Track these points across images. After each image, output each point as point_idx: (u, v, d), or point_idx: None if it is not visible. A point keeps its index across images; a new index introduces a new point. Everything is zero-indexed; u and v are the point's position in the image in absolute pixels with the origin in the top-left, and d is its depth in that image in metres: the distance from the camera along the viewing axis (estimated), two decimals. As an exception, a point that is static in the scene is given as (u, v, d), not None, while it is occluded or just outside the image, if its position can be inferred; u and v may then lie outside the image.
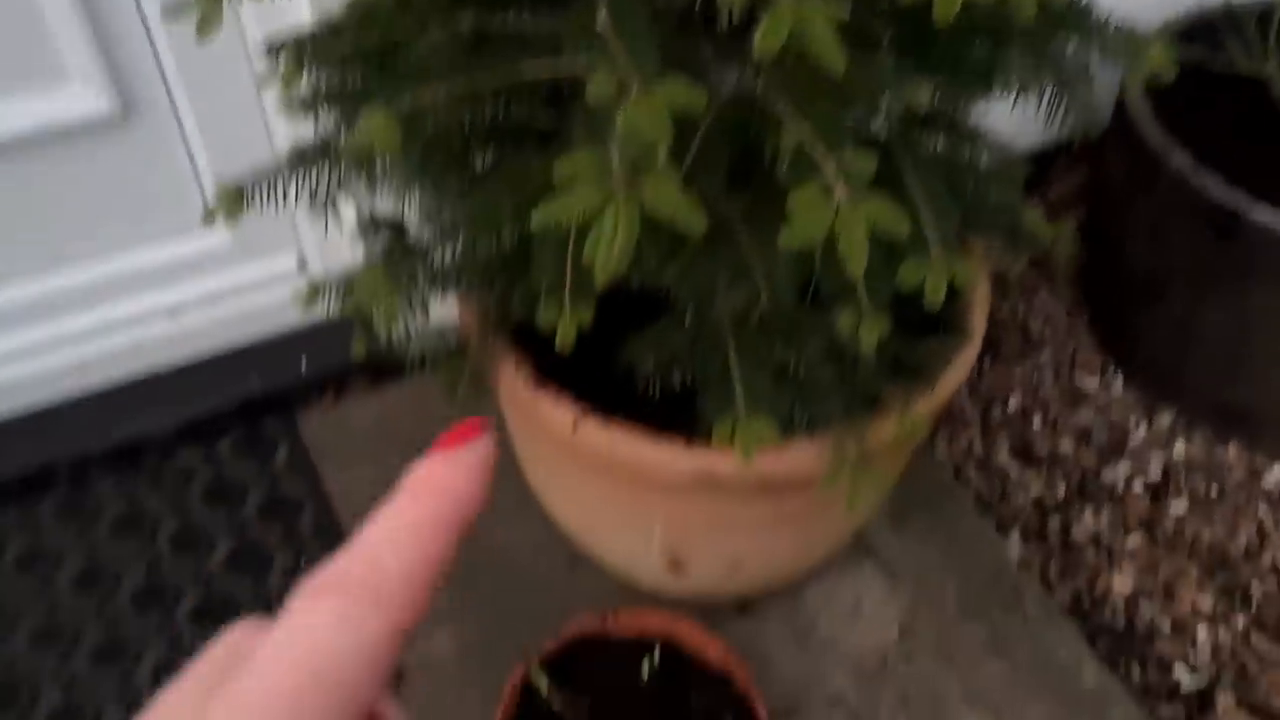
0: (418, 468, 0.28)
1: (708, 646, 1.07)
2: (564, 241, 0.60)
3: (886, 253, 0.61)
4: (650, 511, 0.97)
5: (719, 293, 0.67)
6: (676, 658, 1.08)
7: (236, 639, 0.26)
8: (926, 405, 0.88)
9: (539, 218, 0.51)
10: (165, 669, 1.16)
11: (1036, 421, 1.52)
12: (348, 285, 0.74)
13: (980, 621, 1.25)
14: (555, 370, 0.92)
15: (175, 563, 1.26)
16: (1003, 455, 1.48)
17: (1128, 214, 1.49)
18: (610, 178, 0.50)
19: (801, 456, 0.83)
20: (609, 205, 0.50)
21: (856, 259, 0.53)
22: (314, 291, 0.76)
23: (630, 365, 0.77)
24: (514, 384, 0.91)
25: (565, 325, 0.62)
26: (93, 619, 1.20)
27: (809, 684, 1.19)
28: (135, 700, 1.14)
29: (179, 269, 1.33)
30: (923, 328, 0.89)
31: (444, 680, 1.18)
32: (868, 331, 0.67)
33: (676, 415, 0.86)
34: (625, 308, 0.76)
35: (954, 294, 0.70)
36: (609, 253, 0.49)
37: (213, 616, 1.21)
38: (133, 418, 1.35)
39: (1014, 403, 1.55)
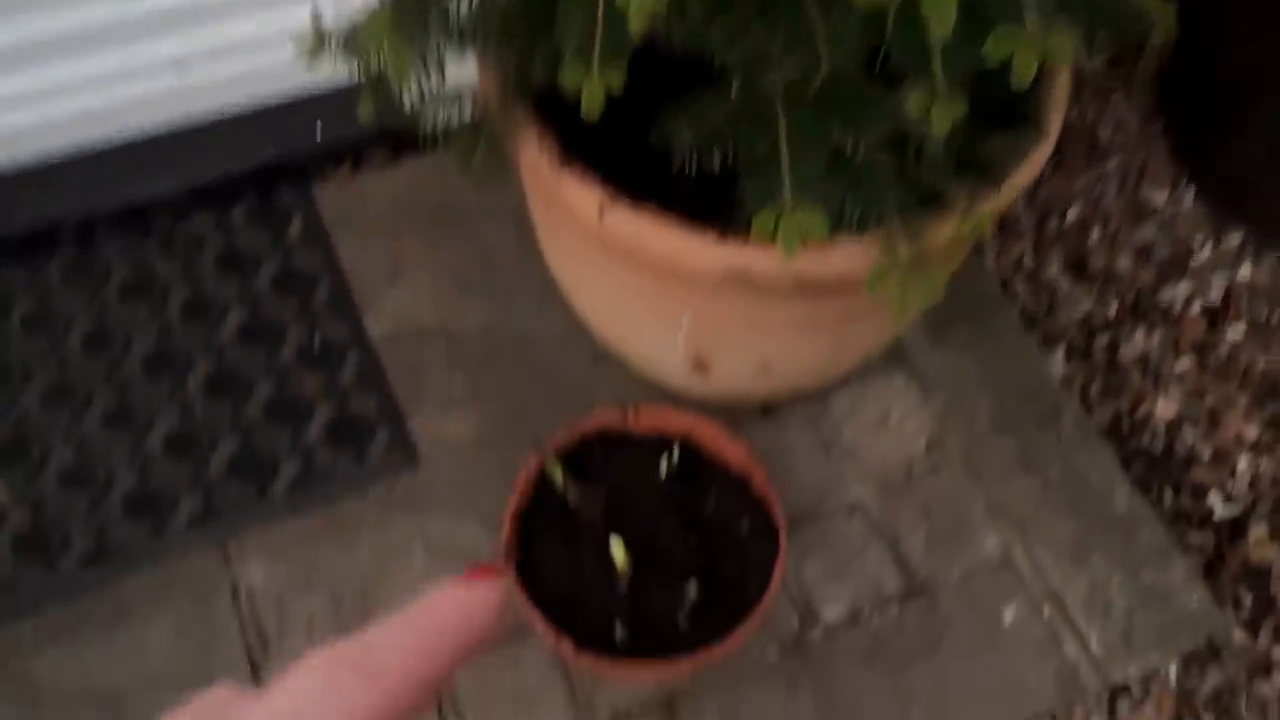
0: (434, 590, 0.28)
1: (728, 448, 1.03)
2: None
3: (972, 20, 0.51)
4: (678, 308, 0.91)
5: (773, 59, 0.57)
6: (696, 458, 1.05)
7: (221, 697, 0.26)
8: (991, 206, 0.80)
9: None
10: (176, 438, 1.15)
11: (1095, 235, 1.43)
12: (353, 32, 0.65)
13: (1012, 437, 1.21)
14: (582, 147, 0.84)
15: (186, 331, 1.22)
16: (1054, 269, 1.39)
17: (1228, 8, 1.33)
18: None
19: (847, 256, 0.76)
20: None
21: (942, 18, 0.44)
22: (319, 40, 0.67)
23: (664, 143, 0.69)
24: (536, 161, 0.83)
25: (592, 87, 0.54)
26: (103, 382, 1.18)
27: (829, 491, 1.16)
28: (147, 466, 1.13)
29: (182, 16, 1.22)
30: (992, 120, 0.79)
31: (459, 464, 1.16)
32: (940, 115, 0.58)
33: (713, 205, 0.78)
34: (662, 76, 0.67)
35: (1034, 82, 0.61)
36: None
37: (224, 387, 1.18)
38: (141, 179, 1.28)
39: (1073, 214, 1.45)
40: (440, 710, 1.02)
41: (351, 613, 1.06)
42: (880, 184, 0.67)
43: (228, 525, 1.10)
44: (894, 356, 1.24)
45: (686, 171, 0.67)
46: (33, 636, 1.03)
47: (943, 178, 0.72)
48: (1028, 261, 1.40)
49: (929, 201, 0.77)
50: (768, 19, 0.56)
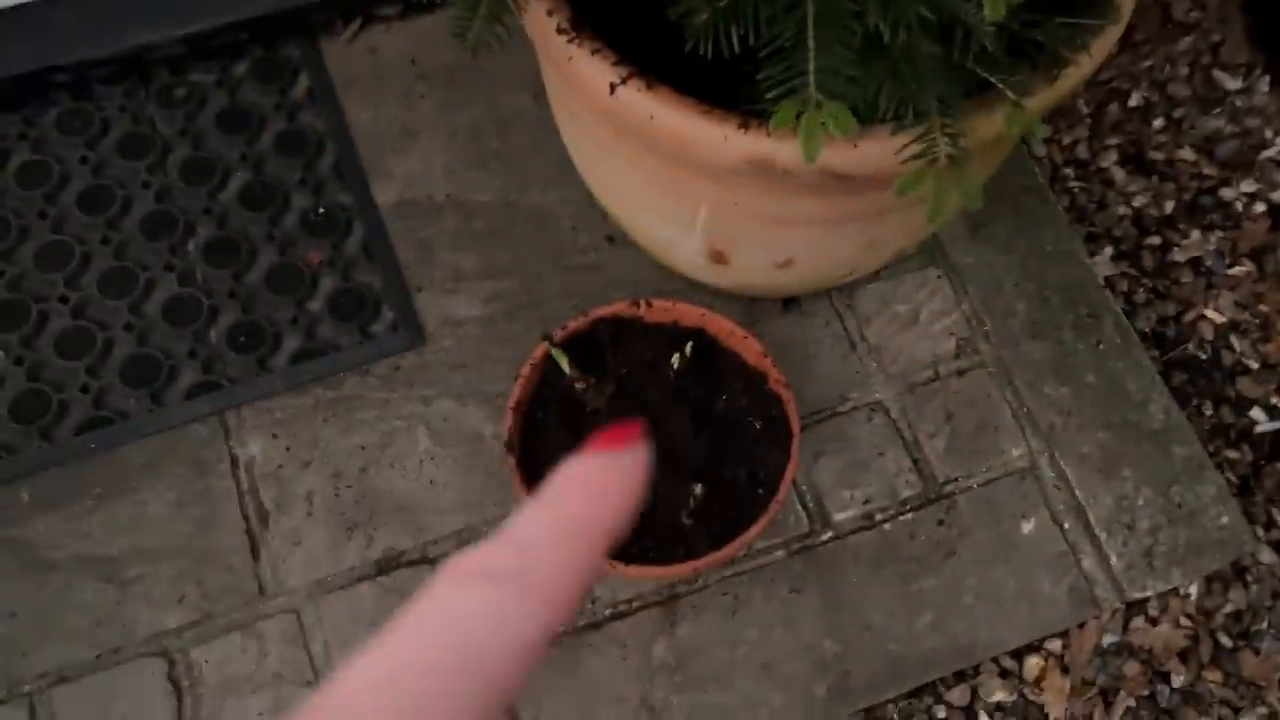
0: (573, 466, 0.26)
1: (745, 345, 0.98)
2: None
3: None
4: (694, 196, 0.84)
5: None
6: (710, 353, 1.00)
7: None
8: (1045, 99, 0.71)
9: None
10: (176, 304, 1.11)
11: (1158, 123, 1.32)
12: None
13: (1048, 342, 1.14)
14: (595, 16, 0.76)
15: (186, 192, 1.17)
16: (1110, 159, 1.30)
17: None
18: None
19: (880, 150, 0.68)
20: None
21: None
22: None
23: (681, 18, 0.61)
24: (545, 31, 0.75)
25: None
26: (100, 243, 1.14)
27: (849, 389, 1.11)
28: (145, 331, 1.09)
29: None
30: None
31: (465, 344, 1.11)
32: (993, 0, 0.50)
33: (735, 86, 0.71)
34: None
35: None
36: None
37: (225, 252, 1.13)
38: (138, 26, 1.20)
39: (1136, 98, 1.34)
40: (438, 594, 1.00)
41: (350, 492, 1.04)
42: (921, 75, 0.59)
43: (227, 397, 1.07)
44: (928, 251, 1.16)
45: (702, 54, 0.60)
46: (31, 502, 1.02)
47: (993, 67, 0.63)
48: (1082, 149, 1.30)
49: (974, 92, 0.69)
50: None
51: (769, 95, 0.56)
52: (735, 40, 0.57)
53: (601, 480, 0.25)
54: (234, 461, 1.05)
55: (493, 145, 1.22)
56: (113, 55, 1.19)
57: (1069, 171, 1.28)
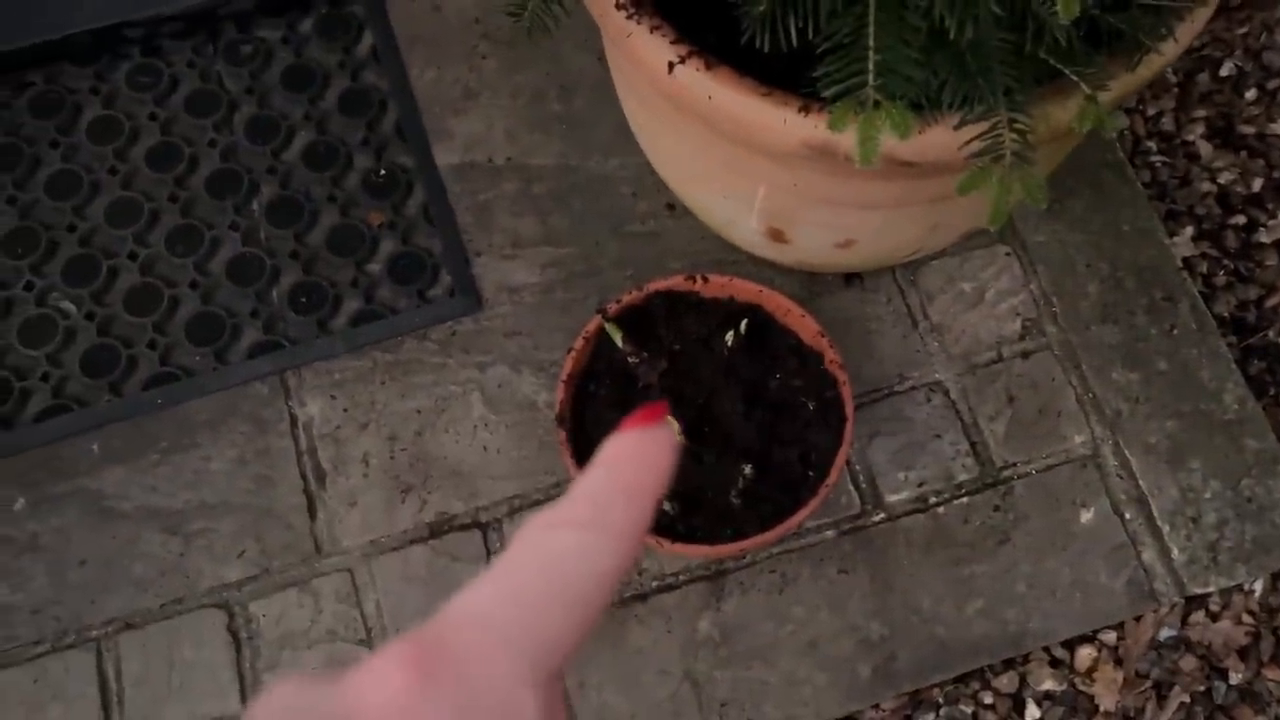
0: (615, 442, 0.29)
1: (801, 324, 0.96)
2: None
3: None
4: (753, 175, 0.82)
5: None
6: (765, 330, 0.98)
7: (291, 693, 0.24)
8: (1123, 89, 0.68)
9: None
10: (240, 263, 1.13)
11: (1250, 94, 1.26)
12: None
13: (1119, 325, 1.10)
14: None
15: (251, 150, 1.18)
16: (1197, 132, 1.24)
17: None
18: None
19: (944, 141, 0.66)
20: None
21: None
22: None
23: (738, 7, 0.59)
24: (604, 6, 0.73)
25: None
26: (168, 200, 1.15)
27: (909, 368, 1.09)
28: (210, 289, 1.11)
29: None
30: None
31: (522, 312, 1.11)
32: (1068, -3, 0.47)
33: (798, 66, 0.68)
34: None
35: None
36: None
37: (287, 212, 1.15)
38: (207, -20, 1.20)
39: (1228, 67, 1.27)
40: (489, 560, 1.02)
41: (406, 455, 1.06)
42: (988, 67, 0.56)
43: (288, 357, 1.09)
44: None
45: (758, 44, 0.58)
46: (101, 454, 1.05)
47: (1067, 58, 0.60)
48: (1166, 121, 1.25)
49: (1044, 79, 0.66)
50: None
51: (825, 94, 0.54)
52: (793, 33, 0.55)
53: (644, 451, 0.28)
54: (293, 421, 1.07)
55: (555, 108, 1.21)
56: (183, 11, 1.20)
57: (1151, 145, 1.23)
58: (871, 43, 0.51)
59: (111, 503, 1.04)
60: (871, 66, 0.51)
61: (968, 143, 0.60)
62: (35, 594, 1.00)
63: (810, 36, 0.56)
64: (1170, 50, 0.69)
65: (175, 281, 1.12)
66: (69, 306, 1.11)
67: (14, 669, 0.98)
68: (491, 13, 1.25)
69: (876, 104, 0.51)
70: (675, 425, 0.91)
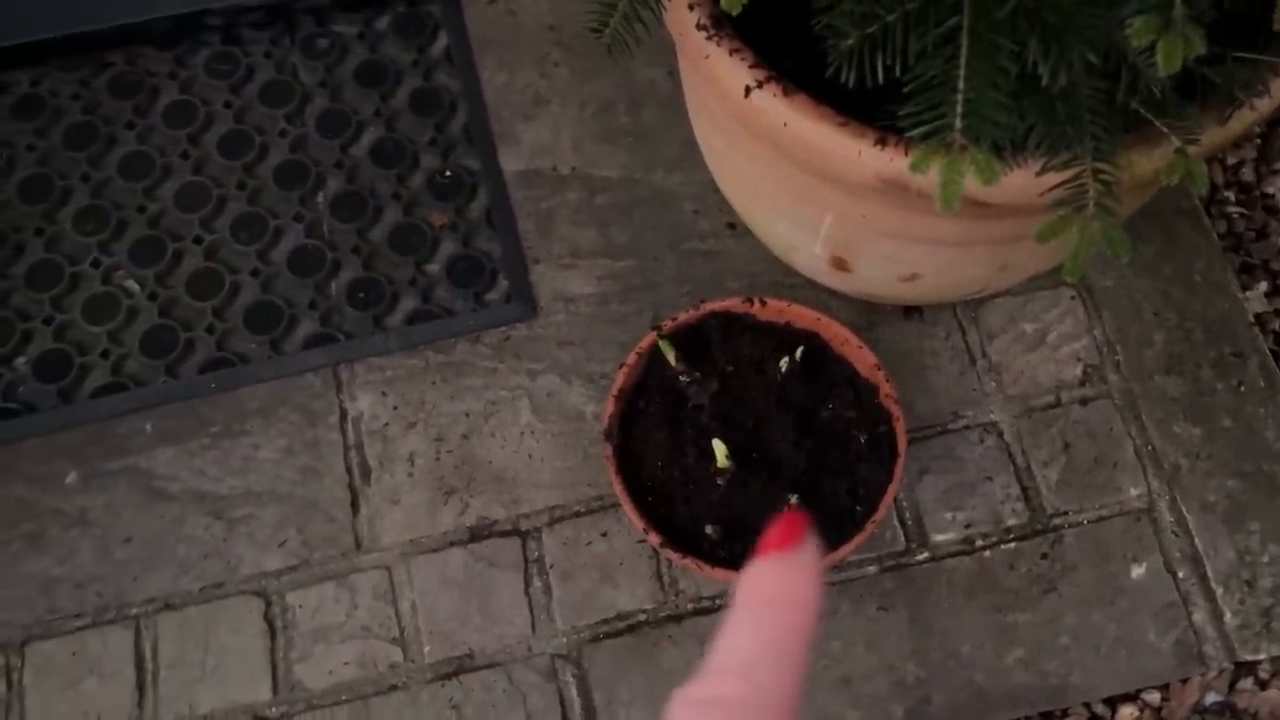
0: (758, 575, 0.27)
1: (858, 355, 0.95)
2: None
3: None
4: (821, 203, 0.81)
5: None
6: (821, 359, 0.97)
7: None
8: (1212, 142, 0.66)
9: None
10: (301, 255, 1.14)
11: (1336, 149, 1.22)
12: None
13: (1184, 378, 1.08)
14: (736, 16, 0.73)
15: (320, 143, 1.19)
16: (1277, 184, 1.21)
17: None
18: None
19: (1024, 184, 0.64)
20: None
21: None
22: None
23: (826, 33, 0.58)
24: (685, 26, 0.73)
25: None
26: (236, 187, 1.17)
27: (964, 406, 1.07)
28: (271, 278, 1.13)
29: None
30: (1232, 30, 0.64)
31: (576, 322, 1.11)
32: (1169, 50, 0.46)
33: (876, 98, 0.67)
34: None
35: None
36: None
37: (352, 207, 1.15)
38: (289, -27, 1.22)
39: (1315, 121, 1.24)
40: (526, 567, 1.02)
41: (451, 457, 1.06)
42: (1078, 116, 0.55)
43: (342, 350, 1.09)
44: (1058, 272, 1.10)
45: (843, 77, 0.57)
46: (153, 434, 1.07)
47: (1159, 109, 0.59)
48: (1246, 171, 1.22)
49: (1131, 126, 0.64)
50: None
51: (910, 133, 0.53)
52: (880, 69, 0.54)
53: (790, 589, 0.26)
54: (343, 415, 1.08)
55: (623, 120, 1.20)
56: (263, 2, 1.22)
57: (1229, 195, 1.20)
58: (961, 84, 0.50)
59: (160, 483, 1.05)
60: (960, 109, 0.50)
61: (1050, 190, 0.59)
62: (80, 568, 1.02)
63: (897, 73, 0.55)
64: (1265, 105, 0.67)
65: (237, 268, 1.13)
66: (133, 286, 1.12)
67: (53, 640, 0.99)
68: (566, 21, 1.26)
69: (962, 147, 0.50)
70: (723, 449, 0.90)
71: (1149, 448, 1.05)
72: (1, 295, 1.11)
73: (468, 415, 1.08)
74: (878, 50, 0.54)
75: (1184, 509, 1.03)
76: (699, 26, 0.74)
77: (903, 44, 0.53)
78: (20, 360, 1.09)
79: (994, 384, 1.08)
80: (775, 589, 0.27)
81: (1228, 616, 1.00)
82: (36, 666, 0.98)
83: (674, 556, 0.89)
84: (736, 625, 0.26)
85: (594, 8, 0.67)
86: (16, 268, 1.13)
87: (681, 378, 0.97)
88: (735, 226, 1.15)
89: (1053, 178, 0.58)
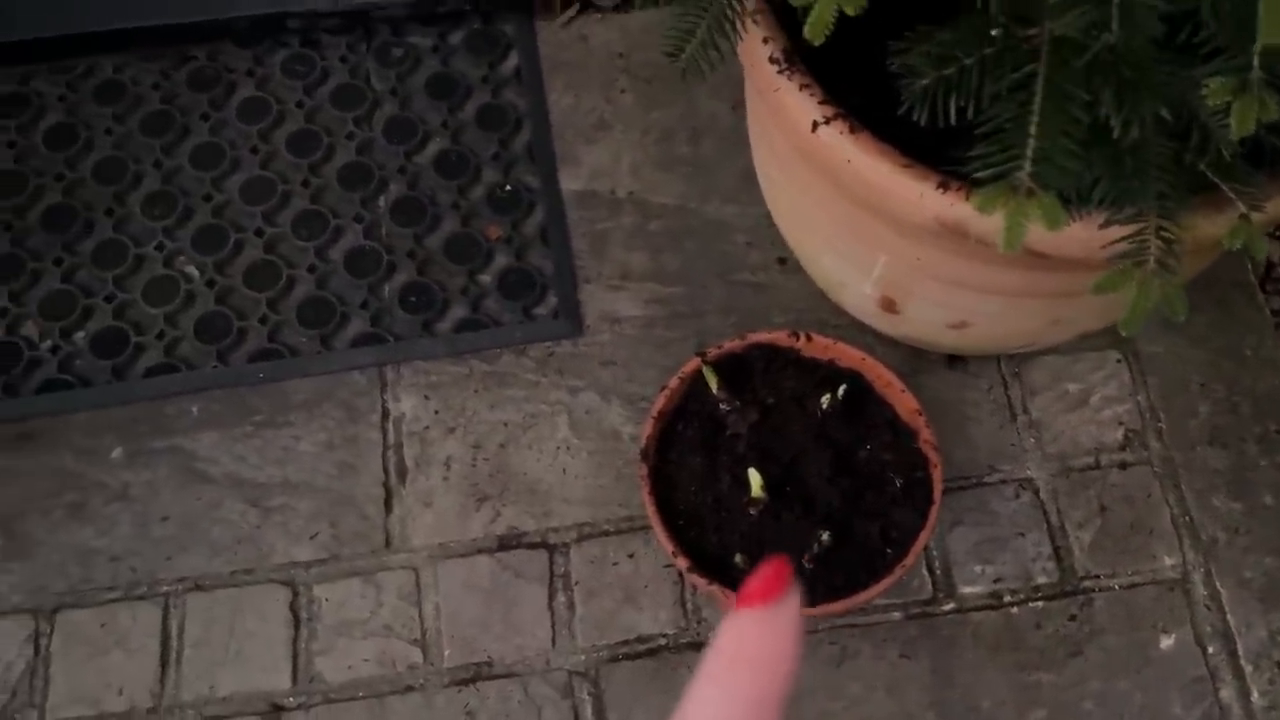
0: (736, 630, 0.26)
1: (900, 399, 0.95)
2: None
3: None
4: (876, 243, 0.82)
5: (1049, 7, 0.47)
6: (862, 399, 0.97)
7: None
8: (1277, 210, 0.66)
9: None
10: (358, 255, 1.16)
11: (1397, 236, 1.21)
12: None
13: (1227, 451, 1.07)
14: (808, 49, 0.74)
15: (386, 149, 1.21)
16: (1335, 266, 1.20)
17: None
18: None
19: (1085, 237, 0.65)
20: None
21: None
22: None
23: (899, 71, 0.59)
24: (757, 58, 0.74)
25: (822, 7, 0.45)
26: (300, 185, 1.20)
27: (1000, 460, 1.06)
28: (326, 275, 1.15)
29: None
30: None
31: (620, 343, 1.12)
32: (1243, 113, 0.46)
33: (940, 141, 0.68)
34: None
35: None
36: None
37: (411, 213, 1.18)
38: (371, -17, 1.26)
39: (1377, 205, 1.23)
40: (551, 581, 1.02)
41: (487, 465, 1.07)
42: (1145, 172, 0.55)
43: (390, 352, 1.11)
44: (1112, 332, 1.10)
45: (916, 117, 0.58)
46: (199, 417, 1.09)
47: (1226, 173, 0.59)
48: (1304, 251, 1.21)
49: (1197, 189, 0.65)
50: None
51: (978, 174, 0.53)
52: (953, 111, 0.55)
53: (769, 648, 0.26)
54: (385, 414, 1.09)
55: (683, 149, 1.22)
56: (342, 9, 1.25)
57: (1285, 272, 1.19)
58: (1034, 130, 0.50)
59: (202, 465, 1.07)
60: (1030, 154, 0.51)
61: (1112, 243, 0.59)
62: (117, 541, 1.03)
63: (969, 116, 0.56)
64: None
65: (295, 263, 1.15)
66: (193, 271, 1.15)
67: (84, 610, 1.01)
68: (635, 50, 1.28)
69: (1030, 192, 0.50)
70: (758, 479, 0.90)
71: (1187, 518, 1.04)
72: (68, 270, 1.14)
73: (506, 425, 1.09)
74: (952, 92, 0.55)
75: (1219, 583, 1.02)
76: (771, 60, 0.75)
77: (977, 87, 0.54)
78: (79, 335, 1.12)
79: (1033, 440, 1.07)
80: (754, 647, 0.26)
81: (1255, 695, 0.98)
82: (66, 634, 1.00)
83: (701, 582, 0.90)
84: (709, 682, 0.26)
85: (672, 33, 0.68)
86: (85, 245, 1.16)
87: (722, 405, 0.98)
88: (785, 262, 1.15)
89: (1114, 231, 0.59)
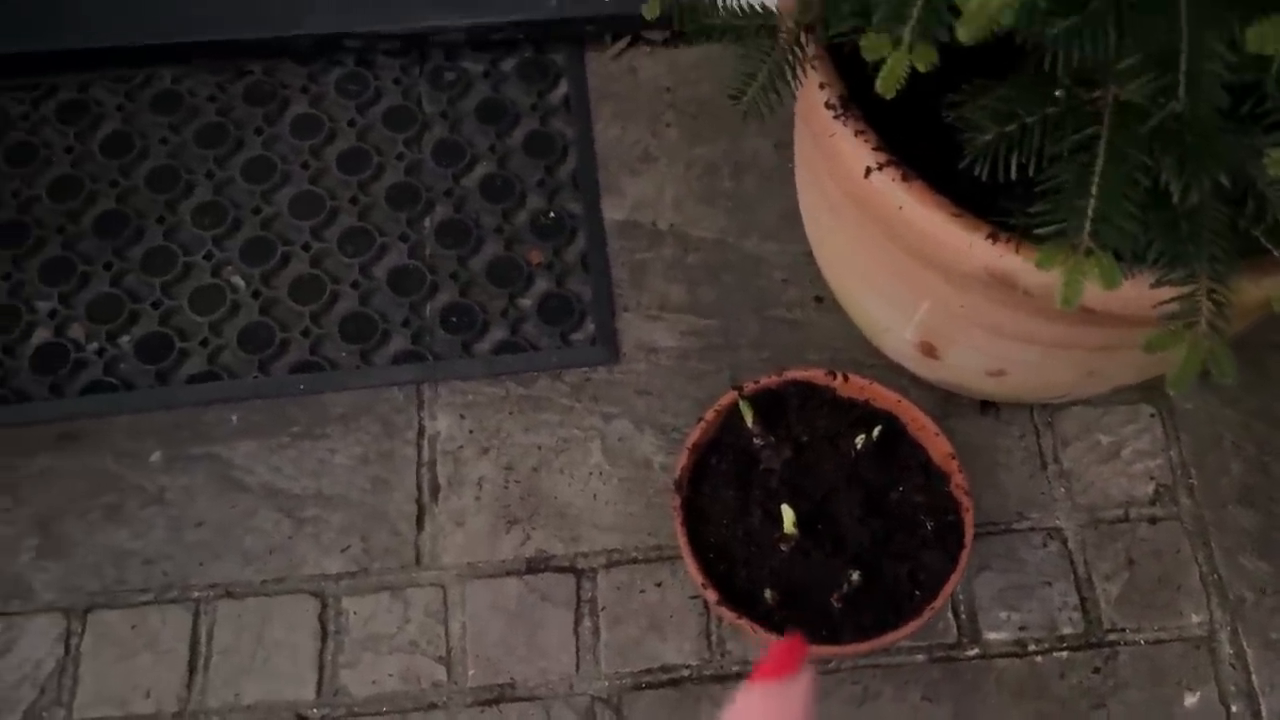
0: (748, 703, 0.26)
1: (934, 442, 0.96)
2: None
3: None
4: (921, 288, 0.83)
5: (1114, 72, 0.48)
6: (895, 440, 0.98)
7: None
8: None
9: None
10: (401, 273, 1.18)
11: None
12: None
13: (1257, 511, 1.07)
14: (862, 95, 0.76)
15: (434, 170, 1.24)
16: (1370, 331, 1.20)
17: None
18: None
19: (1135, 295, 0.66)
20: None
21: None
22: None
23: (958, 124, 0.61)
24: (813, 103, 0.76)
25: (895, 63, 0.47)
26: (348, 201, 1.22)
27: (1030, 508, 1.07)
28: (369, 292, 1.17)
29: None
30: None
31: (655, 373, 1.14)
32: (1304, 184, 0.47)
33: (990, 192, 0.69)
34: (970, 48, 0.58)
35: None
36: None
37: (455, 234, 1.20)
38: (428, 9, 1.28)
39: None
40: (578, 606, 1.03)
41: (519, 487, 1.08)
42: (1200, 235, 0.56)
43: (428, 370, 1.13)
44: (1146, 386, 1.11)
45: (977, 172, 0.59)
46: (238, 425, 1.10)
47: (1278, 241, 0.60)
48: (1340, 315, 1.21)
49: (1247, 252, 0.66)
50: (1126, 25, 0.46)
51: (1037, 230, 0.55)
52: (1014, 168, 0.56)
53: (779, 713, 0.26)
54: (420, 432, 1.11)
55: (725, 185, 1.24)
56: (399, 32, 1.28)
57: (1321, 335, 1.19)
58: (1094, 191, 0.52)
59: (238, 474, 1.08)
60: (1090, 214, 0.52)
61: (1163, 303, 0.60)
62: (152, 545, 1.05)
63: (1030, 173, 0.57)
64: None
65: (339, 278, 1.17)
66: (239, 282, 1.17)
67: (116, 611, 1.02)
68: (682, 85, 1.30)
69: (1089, 251, 0.51)
70: (791, 516, 0.91)
71: (1215, 576, 1.04)
72: (116, 275, 1.17)
73: (540, 449, 1.10)
74: (1014, 149, 0.56)
75: (1245, 643, 1.02)
76: (827, 105, 0.76)
77: (1039, 146, 0.55)
78: (125, 339, 1.14)
79: (1063, 490, 1.08)
80: (760, 712, 0.26)
81: (1279, 759, 0.98)
82: (97, 634, 1.01)
83: (729, 615, 0.90)
84: None
85: (735, 76, 0.70)
86: (134, 250, 1.18)
87: (756, 440, 0.98)
88: (822, 300, 1.17)
89: (1165, 291, 0.60)
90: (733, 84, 0.69)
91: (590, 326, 1.16)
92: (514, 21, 1.29)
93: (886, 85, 0.48)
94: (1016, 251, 0.69)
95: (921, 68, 0.47)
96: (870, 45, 0.47)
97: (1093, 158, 0.52)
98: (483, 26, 1.29)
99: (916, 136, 0.75)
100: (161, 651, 1.01)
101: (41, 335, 1.13)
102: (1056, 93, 0.54)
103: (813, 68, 0.76)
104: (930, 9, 0.44)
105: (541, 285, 1.18)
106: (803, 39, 0.72)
